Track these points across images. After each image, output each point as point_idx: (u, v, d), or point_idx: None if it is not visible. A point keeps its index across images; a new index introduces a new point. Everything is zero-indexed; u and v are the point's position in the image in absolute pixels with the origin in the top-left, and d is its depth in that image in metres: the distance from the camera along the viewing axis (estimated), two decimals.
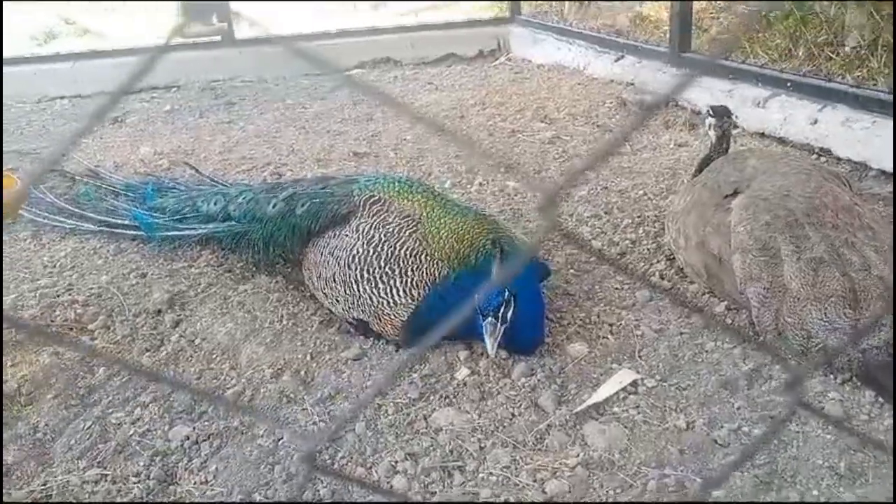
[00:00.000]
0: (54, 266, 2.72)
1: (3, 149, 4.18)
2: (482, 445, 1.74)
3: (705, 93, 4.15)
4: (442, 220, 2.20)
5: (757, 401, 1.84)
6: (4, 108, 5.09)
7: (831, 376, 1.90)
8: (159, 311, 2.38)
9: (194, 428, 1.85)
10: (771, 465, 1.62)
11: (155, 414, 1.91)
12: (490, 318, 1.89)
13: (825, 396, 1.83)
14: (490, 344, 1.90)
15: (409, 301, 2.08)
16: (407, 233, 2.18)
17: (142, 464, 1.74)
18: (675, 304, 2.31)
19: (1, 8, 5.28)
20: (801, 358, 1.96)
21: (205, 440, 1.81)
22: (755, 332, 2.10)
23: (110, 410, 1.92)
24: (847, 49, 4.22)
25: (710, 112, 2.73)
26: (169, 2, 5.77)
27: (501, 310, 1.89)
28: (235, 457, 1.75)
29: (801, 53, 4.41)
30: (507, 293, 1.90)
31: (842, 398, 1.82)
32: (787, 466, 1.62)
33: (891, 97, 3.23)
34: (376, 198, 2.32)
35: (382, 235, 2.19)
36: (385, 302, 2.10)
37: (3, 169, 3.52)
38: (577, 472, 1.64)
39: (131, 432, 1.84)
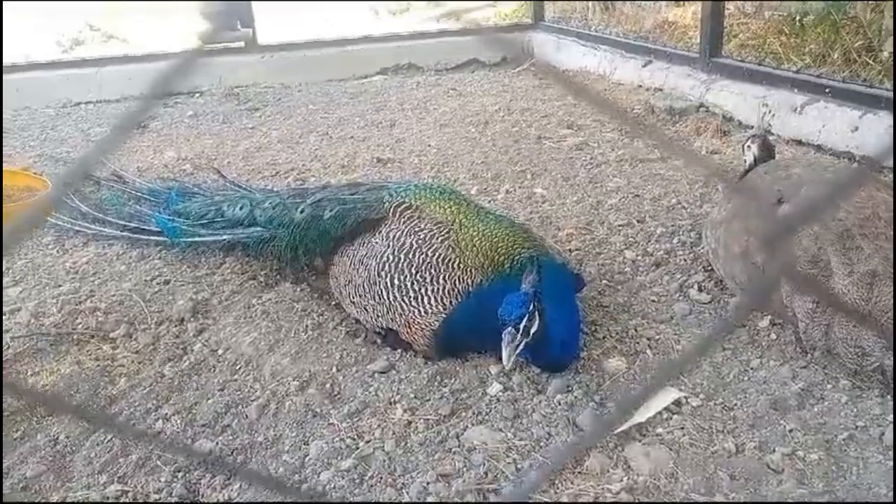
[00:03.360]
0: (76, 272, 2.68)
1: (29, 153, 4.18)
2: (518, 467, 1.65)
3: (738, 98, 4.05)
4: (475, 228, 2.13)
5: (810, 423, 1.73)
6: (30, 113, 5.11)
7: (889, 398, 1.79)
8: (182, 320, 2.32)
9: (217, 442, 1.78)
10: (830, 494, 1.52)
11: (177, 427, 1.85)
12: (510, 329, 1.80)
13: (884, 420, 1.72)
14: (506, 354, 1.79)
15: (441, 310, 2.00)
16: (439, 240, 2.10)
17: (163, 479, 1.67)
18: (715, 318, 2.21)
19: (1, 10, 5.30)
20: (854, 377, 1.85)
21: (229, 455, 1.74)
22: (802, 348, 1.99)
23: (132, 423, 1.86)
24: (885, 54, 4.09)
25: (752, 140, 2.66)
26: (194, 3, 5.75)
27: (523, 322, 1.80)
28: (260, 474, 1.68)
29: (836, 58, 4.28)
30: (531, 306, 1.81)
31: None
32: (848, 496, 1.51)
33: None
34: (407, 204, 2.25)
35: (414, 242, 2.11)
36: (416, 311, 2.03)
37: (32, 171, 3.52)
38: (620, 497, 1.54)
39: (153, 446, 1.78)
